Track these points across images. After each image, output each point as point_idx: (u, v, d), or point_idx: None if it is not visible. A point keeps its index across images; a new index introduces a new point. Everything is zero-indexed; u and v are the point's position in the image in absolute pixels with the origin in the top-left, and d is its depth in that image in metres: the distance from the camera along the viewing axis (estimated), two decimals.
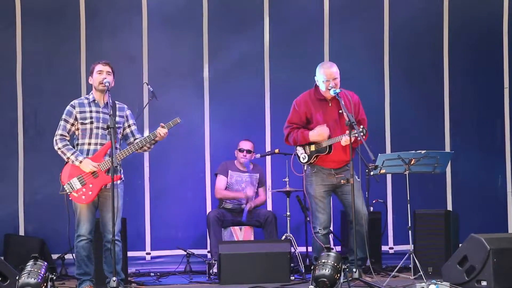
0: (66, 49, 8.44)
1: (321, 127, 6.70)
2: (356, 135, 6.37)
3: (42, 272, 5.80)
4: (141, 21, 8.57)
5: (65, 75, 8.43)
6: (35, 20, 8.41)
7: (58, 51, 8.42)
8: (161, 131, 6.29)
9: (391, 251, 8.67)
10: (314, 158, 6.77)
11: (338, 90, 6.61)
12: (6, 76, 8.37)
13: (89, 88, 6.64)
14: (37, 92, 8.40)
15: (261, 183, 8.20)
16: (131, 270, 7.84)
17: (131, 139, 6.48)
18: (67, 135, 6.37)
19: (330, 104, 6.78)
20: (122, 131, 6.47)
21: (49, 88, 8.40)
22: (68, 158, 6.30)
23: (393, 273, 7.01)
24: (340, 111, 6.69)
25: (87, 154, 6.32)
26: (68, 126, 6.37)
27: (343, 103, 6.55)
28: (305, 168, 6.87)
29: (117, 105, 6.47)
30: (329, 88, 6.65)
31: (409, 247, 7.01)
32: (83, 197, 6.26)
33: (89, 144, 6.35)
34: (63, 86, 8.38)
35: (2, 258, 7.17)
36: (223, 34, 8.68)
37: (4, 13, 8.38)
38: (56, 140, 6.34)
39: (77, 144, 6.39)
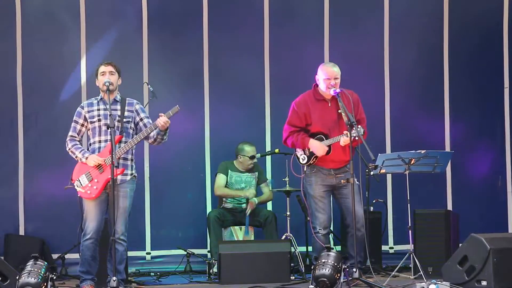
0: (66, 49, 8.44)
1: (321, 146, 6.68)
2: (354, 135, 6.36)
3: (42, 272, 5.80)
4: (141, 21, 8.56)
5: (65, 75, 8.43)
6: (35, 20, 8.40)
7: (58, 51, 8.42)
8: (161, 119, 6.29)
9: (391, 251, 8.66)
10: (313, 158, 6.77)
11: (338, 90, 6.61)
12: (6, 76, 8.37)
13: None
14: (37, 92, 8.39)
15: (261, 179, 8.19)
16: (131, 270, 7.85)
17: None
18: (77, 136, 6.49)
19: (329, 104, 6.78)
20: (134, 126, 6.50)
21: (49, 88, 8.40)
22: (76, 156, 6.41)
23: (393, 273, 7.02)
24: (339, 111, 6.69)
25: (99, 151, 6.38)
26: (78, 126, 6.46)
27: (342, 103, 6.55)
28: (305, 169, 6.86)
29: (127, 101, 6.53)
30: (330, 87, 6.65)
31: (409, 247, 7.02)
32: (89, 192, 6.30)
33: (100, 141, 6.42)
34: (63, 86, 8.38)
35: (2, 258, 7.16)
36: (223, 33, 8.67)
37: (4, 13, 8.38)
38: (66, 141, 6.48)
39: (90, 144, 6.47)
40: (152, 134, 6.41)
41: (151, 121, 6.52)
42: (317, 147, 6.68)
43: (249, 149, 8.07)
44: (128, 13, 8.60)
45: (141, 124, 6.52)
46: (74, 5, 8.44)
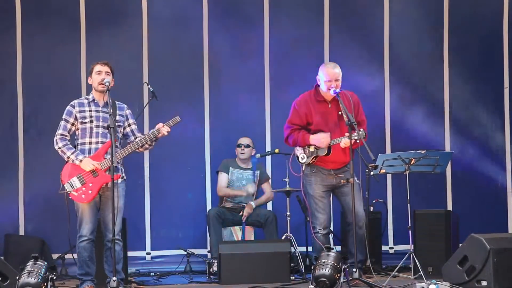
0: (66, 49, 8.44)
1: (323, 135, 6.68)
2: (355, 138, 6.35)
3: (42, 272, 5.79)
4: (141, 21, 8.57)
5: (65, 75, 8.43)
6: (35, 20, 8.41)
7: (58, 51, 8.42)
8: (164, 130, 6.31)
9: (391, 251, 8.66)
10: (313, 158, 6.76)
11: (338, 90, 6.60)
12: (6, 76, 8.38)
13: (89, 88, 6.65)
14: (37, 92, 8.40)
15: (263, 179, 8.19)
16: (131, 270, 7.85)
17: (132, 138, 6.50)
18: (68, 134, 6.40)
19: (329, 106, 6.77)
20: (122, 130, 6.49)
21: (49, 88, 8.40)
22: (68, 157, 6.33)
23: (393, 273, 7.02)
24: (339, 112, 6.68)
25: (89, 153, 6.34)
26: (69, 125, 6.40)
27: (342, 103, 6.54)
28: (303, 168, 6.86)
29: (117, 105, 6.49)
30: (331, 88, 6.64)
31: (409, 247, 7.01)
32: (83, 196, 6.27)
33: (90, 143, 6.37)
34: (63, 87, 8.38)
35: (2, 258, 7.16)
36: (223, 33, 8.67)
37: (4, 13, 8.38)
38: (56, 139, 6.37)
39: (78, 144, 6.40)
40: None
41: (137, 128, 6.54)
42: (319, 138, 6.67)
43: (241, 139, 8.09)
44: (128, 12, 8.60)
45: (128, 129, 6.51)
46: (74, 5, 8.44)
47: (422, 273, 6.79)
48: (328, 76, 6.66)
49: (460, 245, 7.14)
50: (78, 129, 6.40)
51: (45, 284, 5.79)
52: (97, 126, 6.37)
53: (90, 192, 6.27)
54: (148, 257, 8.48)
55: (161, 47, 8.62)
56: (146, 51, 8.58)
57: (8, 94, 8.36)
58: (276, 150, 7.98)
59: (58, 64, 8.42)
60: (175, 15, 8.64)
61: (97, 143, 6.37)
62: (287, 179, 7.67)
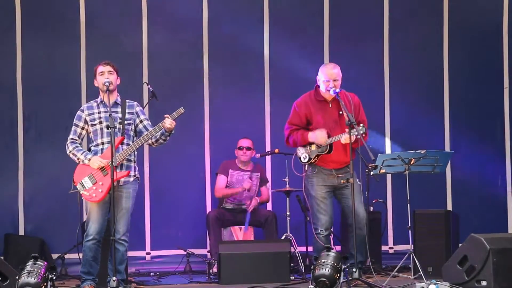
0: (66, 49, 8.45)
1: (320, 131, 6.68)
2: (356, 133, 6.36)
3: (42, 272, 5.79)
4: (141, 21, 8.57)
5: (65, 75, 8.43)
6: (35, 20, 8.41)
7: (58, 51, 8.43)
8: (167, 121, 6.31)
9: (391, 251, 8.67)
10: (315, 158, 6.76)
11: (338, 90, 6.60)
12: (6, 76, 8.38)
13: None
14: (37, 92, 8.40)
15: (263, 181, 8.20)
16: (131, 270, 7.85)
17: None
18: (77, 139, 6.48)
19: (330, 105, 6.77)
20: (134, 128, 6.50)
21: (49, 88, 8.41)
22: (78, 158, 6.39)
23: (393, 273, 7.01)
24: (340, 112, 6.68)
25: (102, 153, 6.37)
26: (78, 130, 6.46)
27: (343, 103, 6.55)
28: (306, 168, 6.86)
29: (127, 103, 6.53)
30: (329, 89, 6.64)
31: (409, 247, 7.01)
32: (94, 195, 6.30)
33: (102, 143, 6.41)
34: (63, 87, 8.39)
35: (2, 258, 7.17)
36: (223, 33, 8.68)
37: (4, 14, 8.39)
38: (67, 144, 6.46)
39: (92, 146, 6.47)
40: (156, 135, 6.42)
41: (150, 123, 6.54)
42: (317, 134, 6.67)
43: (242, 141, 8.09)
44: (128, 12, 8.60)
45: (140, 126, 6.52)
46: (74, 5, 8.44)
47: (422, 273, 6.79)
48: (327, 76, 6.67)
49: (460, 245, 7.14)
50: (90, 132, 6.45)
51: (45, 284, 5.79)
52: (107, 127, 6.39)
53: (100, 190, 6.29)
54: (148, 257, 8.48)
55: (161, 47, 8.62)
56: (146, 51, 8.59)
57: (8, 94, 8.37)
58: (276, 150, 7.98)
59: (58, 64, 8.43)
60: (175, 15, 8.64)
61: (108, 142, 6.38)
62: (287, 179, 7.67)
